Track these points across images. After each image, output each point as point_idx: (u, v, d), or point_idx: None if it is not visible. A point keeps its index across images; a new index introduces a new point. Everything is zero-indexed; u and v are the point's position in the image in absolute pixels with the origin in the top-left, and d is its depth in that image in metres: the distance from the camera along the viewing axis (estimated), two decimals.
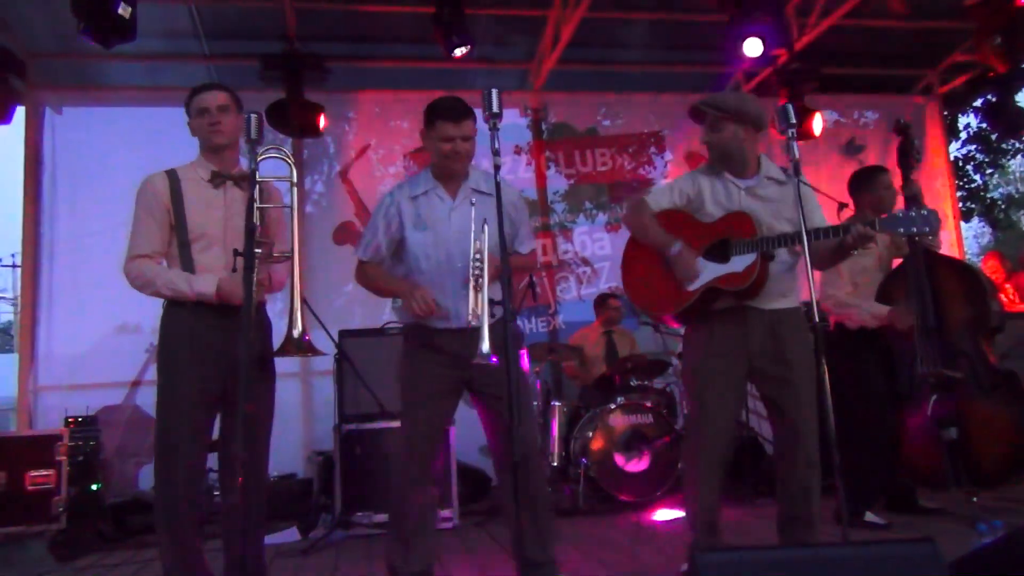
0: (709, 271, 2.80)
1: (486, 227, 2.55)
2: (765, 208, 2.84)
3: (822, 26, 6.22)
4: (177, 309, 2.74)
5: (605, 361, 5.78)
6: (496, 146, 2.47)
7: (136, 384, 5.59)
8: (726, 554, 2.00)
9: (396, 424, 4.29)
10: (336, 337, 4.68)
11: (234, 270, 2.67)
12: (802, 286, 2.84)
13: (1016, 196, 22.15)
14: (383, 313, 6.21)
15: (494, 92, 2.48)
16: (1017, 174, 27.24)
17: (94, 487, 4.59)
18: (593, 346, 5.85)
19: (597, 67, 7.12)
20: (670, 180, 3.07)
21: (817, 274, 2.84)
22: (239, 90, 2.98)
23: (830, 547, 2.18)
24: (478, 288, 2.52)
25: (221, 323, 2.69)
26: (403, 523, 2.77)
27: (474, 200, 2.69)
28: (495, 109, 2.47)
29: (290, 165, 2.68)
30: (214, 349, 2.69)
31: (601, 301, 6.06)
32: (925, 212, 2.58)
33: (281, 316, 2.85)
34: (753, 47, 5.30)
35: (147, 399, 5.57)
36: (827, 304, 3.78)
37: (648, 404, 5.04)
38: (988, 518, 3.37)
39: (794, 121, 2.72)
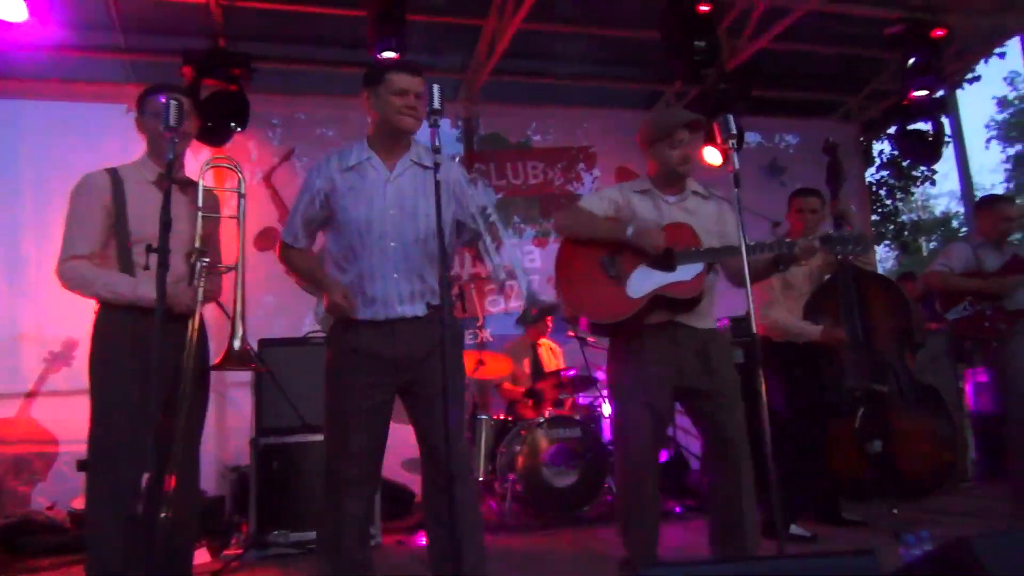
0: (656, 279, 2.73)
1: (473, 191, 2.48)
2: (693, 223, 2.84)
3: (753, 48, 6.38)
4: (116, 312, 2.60)
5: (531, 375, 5.72)
6: (437, 143, 2.36)
7: (32, 395, 5.20)
8: (668, 568, 1.93)
9: (317, 437, 4.20)
10: (256, 346, 4.44)
11: (146, 267, 2.57)
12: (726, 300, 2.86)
13: (919, 222, 23.51)
14: (305, 323, 5.99)
15: (436, 88, 2.37)
16: (919, 202, 29.02)
17: None
18: (520, 360, 5.79)
19: (531, 79, 7.11)
20: (596, 191, 3.08)
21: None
22: None
23: (770, 560, 2.14)
24: (485, 252, 2.38)
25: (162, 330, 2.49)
26: (329, 543, 2.55)
27: (434, 163, 2.34)
28: (436, 105, 2.35)
29: (239, 175, 2.65)
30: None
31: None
32: (858, 234, 2.66)
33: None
34: None
35: (42, 413, 5.19)
36: (766, 324, 3.81)
37: (576, 418, 4.99)
38: (910, 530, 3.44)
39: (735, 132, 2.73)
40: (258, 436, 4.29)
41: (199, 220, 2.62)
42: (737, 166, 2.72)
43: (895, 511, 3.63)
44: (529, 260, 7.01)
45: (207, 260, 2.55)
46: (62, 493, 4.76)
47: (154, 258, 2.30)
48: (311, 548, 4.02)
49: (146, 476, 2.08)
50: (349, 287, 2.55)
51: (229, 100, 5.64)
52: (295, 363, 4.47)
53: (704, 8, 5.49)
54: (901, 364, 3.64)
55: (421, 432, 2.59)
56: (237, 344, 2.46)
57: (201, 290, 2.62)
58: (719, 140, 2.78)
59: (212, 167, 2.64)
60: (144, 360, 2.42)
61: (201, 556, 4.08)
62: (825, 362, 3.75)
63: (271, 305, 6.14)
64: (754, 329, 2.62)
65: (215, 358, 2.63)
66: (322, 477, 2.60)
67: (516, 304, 6.69)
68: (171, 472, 2.39)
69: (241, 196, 2.63)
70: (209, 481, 5.18)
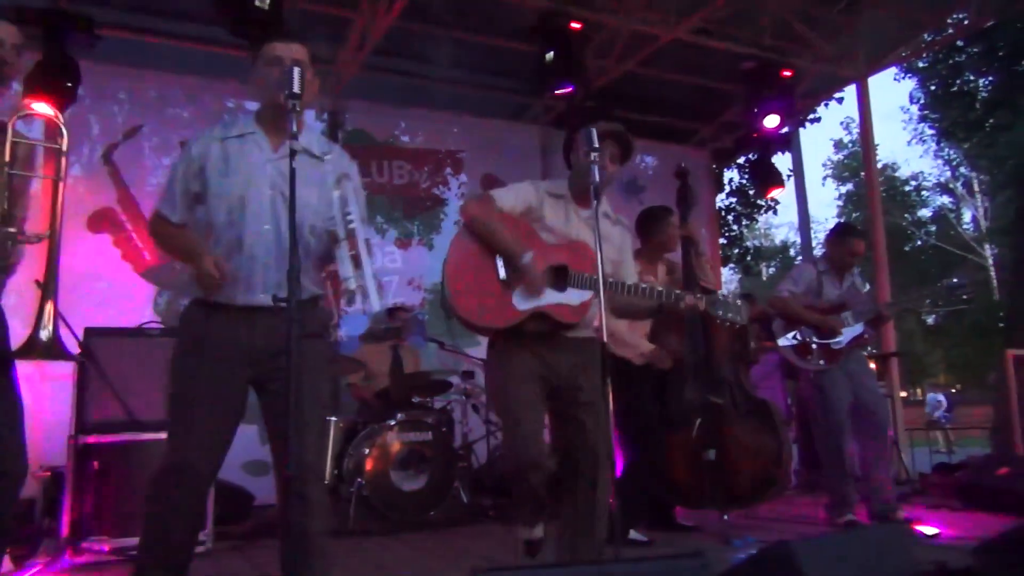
0: (544, 296, 2.72)
1: (356, 199, 2.31)
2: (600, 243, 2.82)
3: (619, 70, 6.61)
4: None
5: (389, 377, 5.61)
6: (295, 129, 2.25)
7: None
8: (509, 572, 1.92)
9: (147, 436, 3.90)
10: (81, 335, 4.08)
11: None
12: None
13: (761, 248, 25.35)
14: (143, 314, 5.58)
15: (296, 70, 2.24)
16: (762, 229, 31.23)
17: None
18: (378, 361, 5.66)
19: (402, 78, 7.01)
20: (513, 184, 2.94)
21: None
22: None
23: (607, 564, 2.18)
24: (358, 263, 2.21)
25: None
26: (154, 538, 2.30)
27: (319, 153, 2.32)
28: (296, 89, 2.23)
29: (61, 127, 2.29)
30: None
31: (389, 315, 5.90)
32: (741, 303, 2.74)
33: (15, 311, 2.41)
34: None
35: None
36: (606, 337, 3.90)
37: (428, 422, 4.93)
38: (739, 534, 3.65)
39: (597, 145, 2.78)
40: (78, 433, 3.93)
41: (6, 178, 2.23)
42: (597, 179, 2.77)
43: (725, 517, 3.82)
44: (390, 260, 6.90)
45: (10, 230, 2.17)
46: None
47: None
48: (132, 554, 3.73)
49: None
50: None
51: (60, 63, 5.12)
52: (127, 355, 4.14)
53: (575, 25, 5.64)
54: (736, 379, 3.85)
55: (275, 432, 2.40)
56: (44, 334, 2.12)
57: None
58: (581, 153, 2.80)
59: (24, 116, 2.26)
60: None
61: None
62: (670, 376, 3.90)
63: (104, 292, 5.67)
64: (604, 340, 2.69)
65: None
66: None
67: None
68: None
69: (62, 154, 2.28)
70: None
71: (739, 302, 2.70)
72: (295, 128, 2.20)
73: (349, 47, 6.27)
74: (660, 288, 2.78)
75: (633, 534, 3.81)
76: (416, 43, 6.50)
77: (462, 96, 7.32)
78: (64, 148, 2.30)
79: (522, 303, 2.70)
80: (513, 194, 2.85)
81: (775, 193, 7.90)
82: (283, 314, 2.10)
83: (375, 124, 7.01)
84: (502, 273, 2.74)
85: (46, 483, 4.26)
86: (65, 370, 4.32)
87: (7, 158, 2.22)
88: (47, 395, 5.08)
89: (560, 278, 2.71)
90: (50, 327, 2.13)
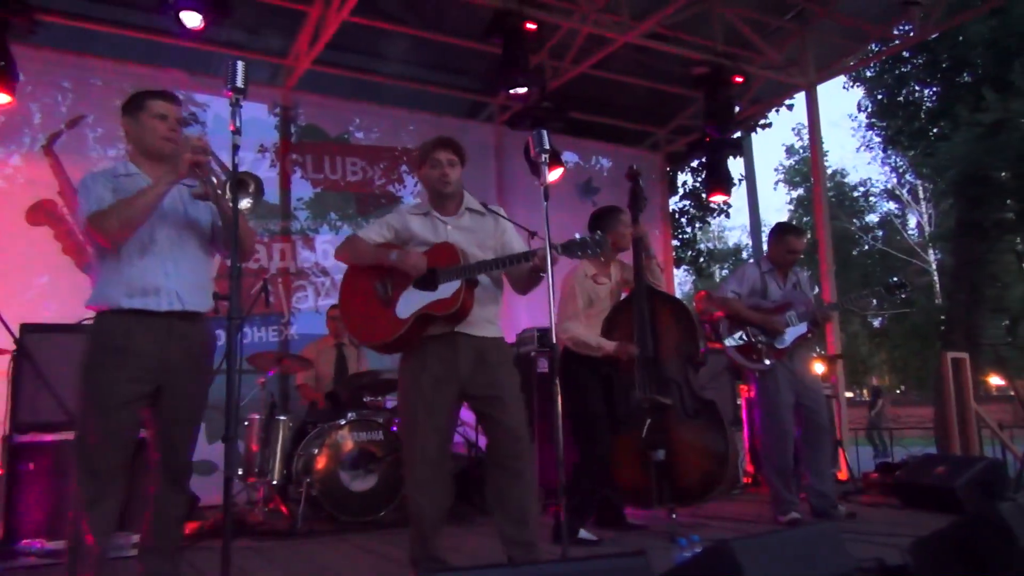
0: (420, 299, 2.90)
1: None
2: (468, 239, 3.03)
3: (574, 72, 6.64)
4: None
5: (334, 376, 5.55)
6: (238, 124, 2.30)
7: None
8: (455, 572, 1.91)
9: None
10: (16, 331, 3.95)
11: None
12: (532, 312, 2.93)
13: (713, 250, 25.76)
14: (84, 311, 5.41)
15: (239, 64, 2.33)
16: (715, 232, 31.73)
17: None
18: (324, 361, 5.60)
19: (356, 74, 6.94)
20: (376, 219, 3.20)
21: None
22: None
23: (550, 564, 2.19)
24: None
25: None
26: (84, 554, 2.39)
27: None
28: (240, 83, 2.33)
29: None
30: None
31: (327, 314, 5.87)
32: (598, 237, 2.82)
33: None
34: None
35: None
36: (564, 337, 3.93)
37: (379, 421, 4.89)
38: (686, 533, 3.70)
39: (548, 147, 2.82)
40: (12, 433, 3.81)
41: None
42: (547, 180, 2.82)
43: (674, 516, 3.87)
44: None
45: None
46: None
47: None
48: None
49: None
50: (131, 278, 2.54)
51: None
52: (65, 352, 4.00)
53: (530, 26, 5.65)
54: (684, 379, 3.90)
55: (156, 433, 2.61)
56: None
57: None
58: (532, 153, 2.84)
59: None
60: None
61: None
62: (618, 376, 3.92)
63: (44, 286, 5.51)
64: (554, 340, 2.73)
65: None
66: None
67: (325, 303, 6.48)
68: None
69: None
70: None
71: (597, 236, 2.80)
72: (238, 123, 2.32)
73: (302, 41, 6.19)
74: (517, 252, 2.97)
75: (582, 533, 3.83)
76: (370, 38, 6.45)
77: (417, 93, 7.29)
78: None
79: (404, 312, 2.91)
80: (377, 226, 3.11)
81: (718, 198, 7.99)
82: (195, 321, 2.51)
83: (328, 120, 6.93)
84: (381, 293, 2.97)
85: None
86: None
87: None
88: None
89: (430, 281, 2.91)
90: None
